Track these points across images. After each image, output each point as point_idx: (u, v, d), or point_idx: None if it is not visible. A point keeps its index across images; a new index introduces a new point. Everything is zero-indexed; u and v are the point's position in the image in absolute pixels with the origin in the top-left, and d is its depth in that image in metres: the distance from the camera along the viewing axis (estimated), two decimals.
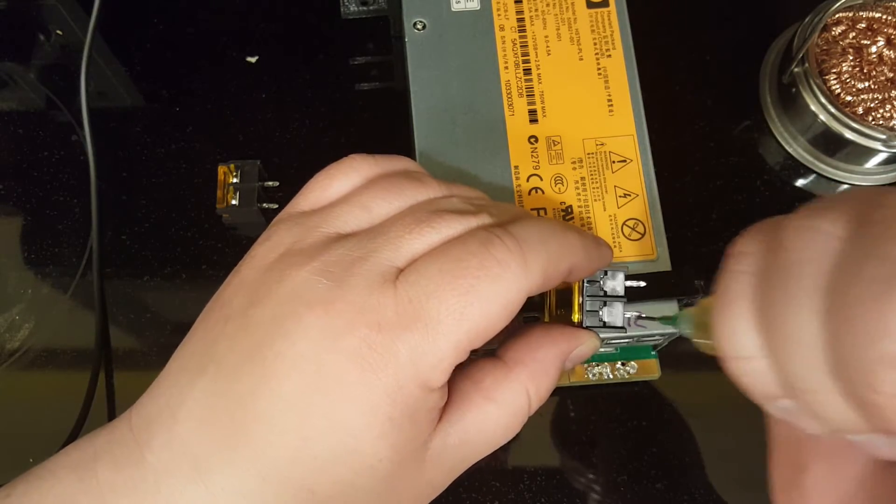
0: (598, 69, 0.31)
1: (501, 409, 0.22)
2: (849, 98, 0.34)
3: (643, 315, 0.26)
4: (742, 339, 0.16)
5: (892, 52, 0.35)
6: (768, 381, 0.15)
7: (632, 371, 0.31)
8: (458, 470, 0.22)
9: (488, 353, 0.23)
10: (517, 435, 0.32)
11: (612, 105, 0.31)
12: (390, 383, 0.19)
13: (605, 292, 0.24)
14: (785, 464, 0.18)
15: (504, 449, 0.32)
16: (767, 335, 0.15)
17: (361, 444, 0.19)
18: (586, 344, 0.24)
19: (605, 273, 0.24)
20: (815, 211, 0.15)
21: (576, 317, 0.25)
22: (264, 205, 0.35)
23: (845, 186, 0.36)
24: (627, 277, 0.24)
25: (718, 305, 0.16)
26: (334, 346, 0.19)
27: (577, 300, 0.24)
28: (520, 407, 0.22)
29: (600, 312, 0.24)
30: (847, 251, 0.14)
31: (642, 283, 0.25)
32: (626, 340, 0.29)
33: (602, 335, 0.24)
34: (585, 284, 0.24)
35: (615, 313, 0.24)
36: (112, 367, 0.33)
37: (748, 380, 0.16)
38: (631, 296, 0.24)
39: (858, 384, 0.13)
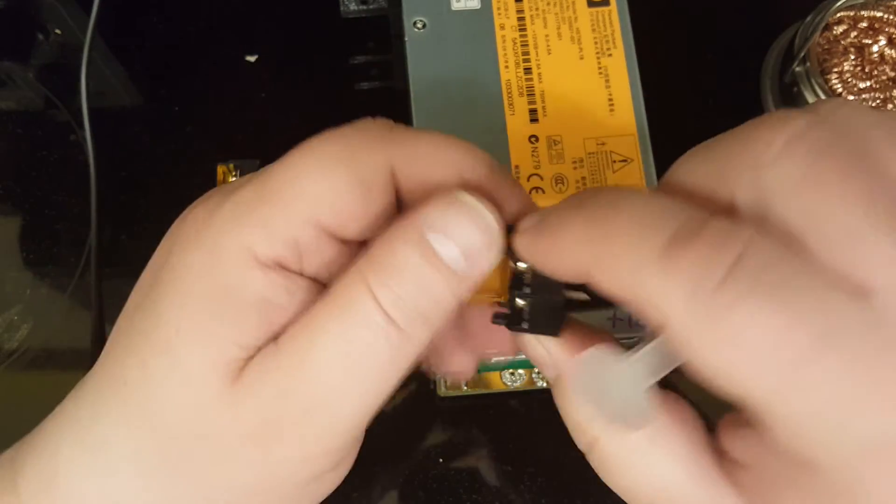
0: (599, 68, 0.31)
1: (340, 315, 0.16)
2: (850, 97, 0.34)
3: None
4: None
5: (893, 51, 0.35)
6: None
7: None
8: (295, 427, 0.16)
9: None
10: (517, 434, 0.32)
11: (612, 104, 0.31)
12: (209, 239, 0.17)
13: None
14: None
15: (504, 449, 0.32)
16: None
17: (164, 308, 0.17)
18: (448, 203, 0.17)
19: None
20: None
21: (496, 286, 0.19)
22: None
23: None
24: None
25: None
26: (186, 219, 0.18)
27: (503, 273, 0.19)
28: (363, 310, 0.16)
29: (520, 300, 0.18)
30: None
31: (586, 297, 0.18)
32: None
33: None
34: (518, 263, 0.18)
35: (548, 313, 0.18)
36: None
37: None
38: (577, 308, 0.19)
39: None
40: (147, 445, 0.17)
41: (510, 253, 0.18)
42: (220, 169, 0.34)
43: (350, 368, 0.16)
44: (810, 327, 0.12)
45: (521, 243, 0.17)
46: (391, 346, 0.16)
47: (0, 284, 0.35)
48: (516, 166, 0.30)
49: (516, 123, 0.30)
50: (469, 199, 0.17)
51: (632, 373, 0.16)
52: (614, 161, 0.30)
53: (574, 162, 0.30)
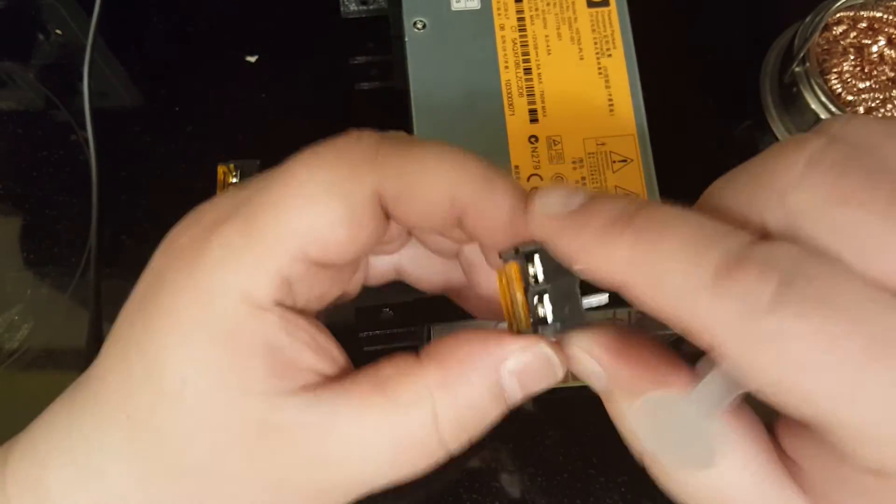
0: (599, 69, 0.31)
1: (390, 409, 0.17)
2: (850, 97, 0.34)
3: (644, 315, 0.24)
4: None
5: (892, 51, 0.35)
6: None
7: None
8: (323, 471, 0.17)
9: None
10: (517, 434, 0.32)
11: (612, 105, 0.31)
12: (200, 282, 0.16)
13: (539, 278, 0.17)
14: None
15: (504, 449, 0.32)
16: None
17: (167, 356, 0.16)
18: (532, 355, 0.18)
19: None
20: None
21: (522, 319, 0.18)
22: None
23: None
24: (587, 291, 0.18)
25: None
26: (169, 248, 0.17)
27: (516, 288, 0.18)
28: (419, 418, 0.17)
29: (540, 305, 0.17)
30: None
31: (604, 299, 0.18)
32: None
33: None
34: (528, 267, 0.18)
35: (567, 299, 0.17)
36: None
37: None
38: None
39: None
40: (152, 481, 0.17)
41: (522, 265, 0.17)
42: (221, 169, 0.34)
43: (391, 461, 0.17)
44: (862, 335, 0.12)
45: (551, 227, 0.16)
46: (431, 456, 0.18)
47: (1, 284, 0.35)
48: (516, 166, 0.30)
49: (516, 124, 0.30)
50: (551, 355, 0.18)
51: (695, 410, 0.15)
52: (614, 161, 0.30)
53: (574, 162, 0.30)
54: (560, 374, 0.18)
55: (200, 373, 0.16)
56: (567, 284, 0.17)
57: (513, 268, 0.18)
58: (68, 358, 0.33)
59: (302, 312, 0.18)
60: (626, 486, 0.31)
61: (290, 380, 0.17)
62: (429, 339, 0.28)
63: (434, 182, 0.17)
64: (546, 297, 0.17)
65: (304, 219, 0.16)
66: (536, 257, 0.17)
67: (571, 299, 0.17)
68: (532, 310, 0.18)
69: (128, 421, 0.17)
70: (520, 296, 0.18)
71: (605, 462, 0.32)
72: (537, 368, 0.18)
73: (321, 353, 0.18)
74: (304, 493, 0.17)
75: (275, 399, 0.17)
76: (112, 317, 0.34)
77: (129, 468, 0.17)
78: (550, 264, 0.17)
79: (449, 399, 0.17)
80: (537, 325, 0.18)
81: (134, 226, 0.36)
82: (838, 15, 0.36)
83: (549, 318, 0.17)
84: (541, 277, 0.17)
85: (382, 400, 0.17)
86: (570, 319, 0.17)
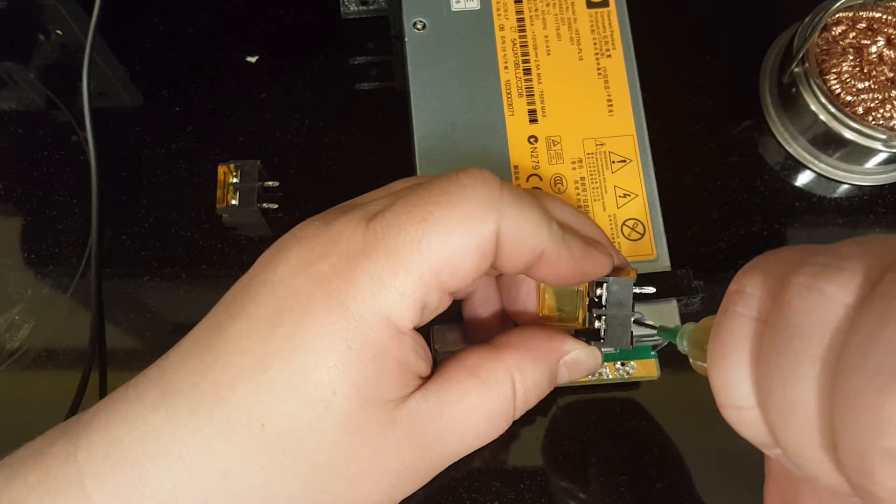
0: (598, 69, 0.31)
1: (484, 388, 0.20)
2: (849, 98, 0.34)
3: (645, 319, 0.25)
4: (736, 389, 0.15)
5: (892, 51, 0.35)
6: (761, 431, 0.15)
7: (632, 371, 0.31)
8: (432, 450, 0.20)
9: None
10: (517, 434, 0.32)
11: (611, 105, 0.31)
12: (351, 310, 0.18)
13: (605, 304, 0.22)
14: (778, 497, 0.18)
15: (504, 449, 0.32)
16: (762, 393, 0.14)
17: (317, 371, 0.18)
18: (585, 351, 0.22)
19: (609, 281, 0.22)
20: (823, 270, 0.13)
21: (579, 319, 0.23)
22: (264, 205, 0.35)
23: (845, 186, 0.36)
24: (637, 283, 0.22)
25: (714, 347, 0.15)
26: (307, 271, 0.19)
27: (583, 302, 0.22)
28: (504, 393, 0.21)
29: (597, 320, 0.22)
30: (855, 324, 0.13)
31: (653, 332, 0.23)
32: None
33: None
34: (596, 289, 0.22)
35: (620, 328, 0.22)
36: (106, 367, 0.33)
37: (740, 427, 0.16)
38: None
39: (855, 470, 0.12)
40: (280, 479, 0.19)
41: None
42: (221, 169, 0.34)
43: (484, 431, 0.21)
44: None
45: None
46: (508, 422, 0.21)
47: (2, 284, 0.35)
48: (516, 166, 0.30)
49: (516, 124, 0.30)
50: (598, 355, 0.23)
51: None
52: (613, 161, 0.30)
53: (573, 162, 0.30)
54: (597, 370, 0.23)
55: (350, 386, 0.18)
56: (624, 316, 0.22)
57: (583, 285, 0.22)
58: (69, 358, 0.33)
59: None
60: (626, 486, 0.31)
61: (411, 385, 0.20)
62: (429, 337, 0.28)
63: (534, 236, 0.20)
64: (604, 319, 0.22)
65: (443, 255, 0.19)
66: (605, 285, 0.22)
67: (623, 328, 0.22)
68: (589, 322, 0.22)
69: (262, 429, 0.19)
70: (582, 310, 0.22)
71: (604, 462, 0.32)
72: (585, 363, 0.22)
73: (426, 358, 0.20)
74: (418, 472, 0.20)
75: (399, 401, 0.20)
76: (114, 317, 0.34)
77: (258, 469, 0.19)
78: (615, 297, 0.21)
79: (522, 377, 0.21)
80: (589, 337, 0.22)
81: (134, 226, 0.36)
82: (837, 15, 0.36)
83: (602, 338, 0.22)
84: (604, 301, 0.22)
85: (477, 382, 0.20)
86: (616, 343, 0.22)
